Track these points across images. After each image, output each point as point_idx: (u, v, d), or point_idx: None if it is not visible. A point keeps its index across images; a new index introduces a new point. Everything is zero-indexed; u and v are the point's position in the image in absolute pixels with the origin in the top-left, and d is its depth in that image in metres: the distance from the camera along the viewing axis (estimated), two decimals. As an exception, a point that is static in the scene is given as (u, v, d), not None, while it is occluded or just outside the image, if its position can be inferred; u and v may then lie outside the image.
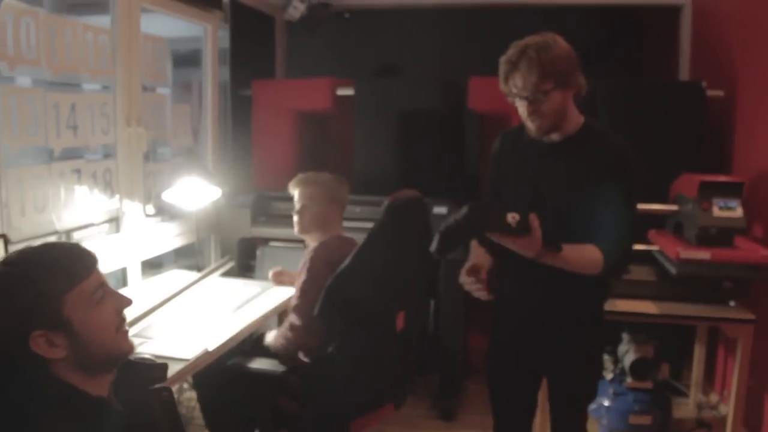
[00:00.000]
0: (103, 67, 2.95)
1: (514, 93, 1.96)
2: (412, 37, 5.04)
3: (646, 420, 3.11)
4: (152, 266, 3.60)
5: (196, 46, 3.92)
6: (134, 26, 3.08)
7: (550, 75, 1.91)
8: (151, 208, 3.25)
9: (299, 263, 2.72)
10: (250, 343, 2.78)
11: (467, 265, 2.02)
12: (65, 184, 2.74)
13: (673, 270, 2.94)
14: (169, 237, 3.39)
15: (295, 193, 2.74)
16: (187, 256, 4.03)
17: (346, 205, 2.81)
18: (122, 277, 3.11)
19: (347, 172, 3.93)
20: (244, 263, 3.65)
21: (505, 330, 2.29)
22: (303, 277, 2.60)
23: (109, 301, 1.31)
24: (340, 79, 3.99)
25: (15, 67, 2.51)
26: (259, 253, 3.61)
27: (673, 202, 3.22)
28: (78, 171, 2.83)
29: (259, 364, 2.61)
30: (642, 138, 3.48)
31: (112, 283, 3.08)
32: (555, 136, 2.05)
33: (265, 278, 3.35)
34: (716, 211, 2.93)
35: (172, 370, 2.13)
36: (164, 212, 3.34)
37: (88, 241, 2.83)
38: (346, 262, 2.40)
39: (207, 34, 3.81)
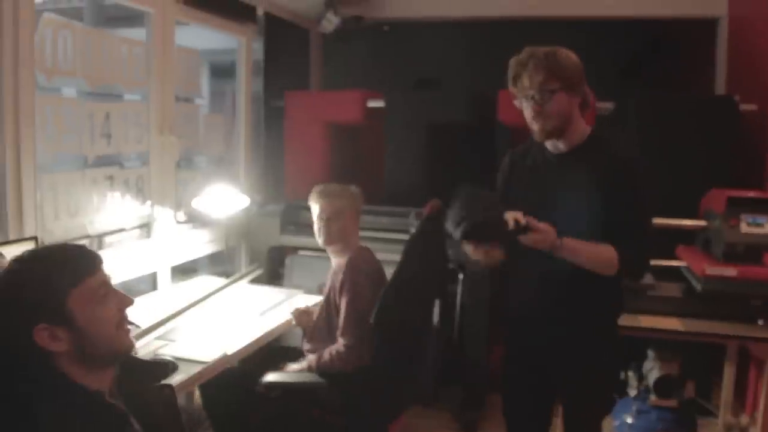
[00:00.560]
0: (137, 78, 3.05)
1: (522, 93, 2.02)
2: (447, 50, 5.08)
3: (670, 439, 3.07)
4: (187, 272, 3.69)
5: (235, 58, 4.01)
6: (168, 39, 3.18)
7: (557, 75, 1.98)
8: (182, 215, 3.33)
9: (328, 279, 2.76)
10: (270, 356, 2.79)
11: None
12: (98, 190, 2.83)
13: (699, 286, 2.90)
14: (199, 244, 3.46)
15: (320, 204, 2.74)
16: (221, 263, 4.12)
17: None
18: (152, 281, 3.18)
19: (377, 183, 3.98)
20: (273, 271, 3.71)
21: (516, 345, 2.31)
22: (346, 297, 2.60)
23: (112, 299, 1.37)
24: (371, 92, 4.03)
25: (52, 78, 2.61)
26: (288, 261, 3.66)
27: (703, 218, 3.18)
28: (111, 178, 2.93)
29: (294, 378, 2.60)
30: (675, 153, 3.46)
31: (142, 287, 3.20)
32: (562, 146, 2.09)
33: (293, 286, 3.41)
34: (744, 228, 2.89)
35: (190, 371, 2.20)
36: (195, 219, 3.41)
37: (119, 245, 2.92)
38: (394, 274, 2.49)
39: (241, 46, 3.90)
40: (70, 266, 1.32)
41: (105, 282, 1.36)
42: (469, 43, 4.96)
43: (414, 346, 2.68)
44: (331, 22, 4.36)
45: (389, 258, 2.77)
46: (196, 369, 2.22)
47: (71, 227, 2.70)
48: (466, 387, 3.50)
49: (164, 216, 3.17)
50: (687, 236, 3.29)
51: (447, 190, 3.56)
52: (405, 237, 2.86)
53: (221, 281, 3.26)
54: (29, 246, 2.23)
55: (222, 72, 5.02)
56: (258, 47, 4.06)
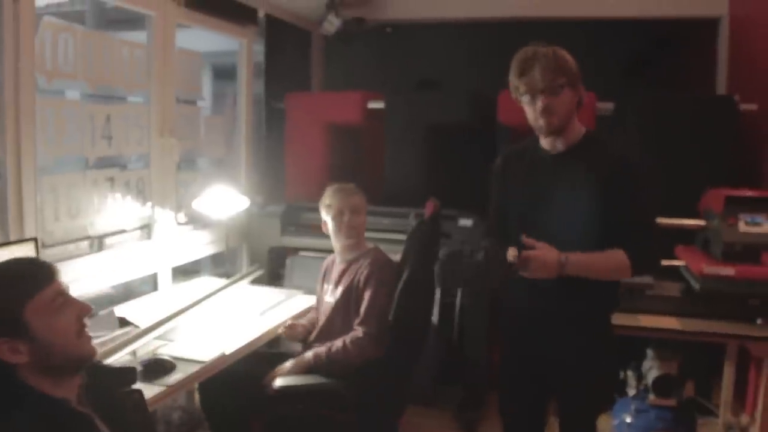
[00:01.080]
0: (138, 80, 3.07)
1: (529, 88, 2.01)
2: (449, 51, 5.09)
3: (669, 438, 3.07)
4: (189, 273, 3.71)
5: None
6: (169, 42, 3.20)
7: (564, 71, 2.01)
8: (182, 216, 3.34)
9: (335, 275, 2.81)
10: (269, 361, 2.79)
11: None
12: (99, 192, 2.86)
13: (697, 286, 2.90)
14: (200, 245, 3.48)
15: (339, 199, 2.79)
16: (223, 264, 4.15)
17: None
18: (153, 282, 3.21)
19: (377, 184, 3.99)
20: (274, 272, 3.72)
21: (512, 344, 2.32)
22: (371, 289, 2.66)
23: (70, 308, 1.39)
24: (372, 93, 4.05)
25: (52, 80, 2.64)
26: (288, 262, 3.67)
27: (702, 217, 3.18)
28: (112, 179, 2.95)
29: (305, 380, 2.60)
30: (675, 152, 3.47)
31: (143, 288, 3.22)
32: (560, 145, 2.11)
33: (293, 287, 3.42)
34: (742, 227, 2.89)
35: (188, 371, 2.22)
36: (196, 220, 3.43)
37: (120, 246, 2.94)
38: (406, 274, 2.62)
39: (242, 48, 3.92)
40: (23, 280, 1.35)
41: (61, 292, 1.38)
42: (470, 44, 4.97)
43: (420, 345, 2.75)
44: (332, 24, 4.38)
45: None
46: (193, 368, 2.24)
47: (72, 229, 2.72)
48: (466, 387, 3.51)
49: (165, 217, 3.19)
50: (687, 236, 3.30)
51: (447, 190, 3.61)
52: (405, 237, 2.87)
53: (222, 282, 3.28)
54: (29, 247, 2.27)
55: (225, 74, 5.02)
56: (259, 49, 4.09)
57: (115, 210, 2.94)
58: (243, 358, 2.58)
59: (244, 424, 2.63)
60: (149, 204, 3.13)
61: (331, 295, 2.81)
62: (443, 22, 4.75)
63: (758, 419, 2.85)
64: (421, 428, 3.36)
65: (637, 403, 3.11)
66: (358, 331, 2.62)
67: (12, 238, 2.34)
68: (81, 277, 2.64)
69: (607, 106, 3.73)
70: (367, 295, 2.67)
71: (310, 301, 3.07)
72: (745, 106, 3.54)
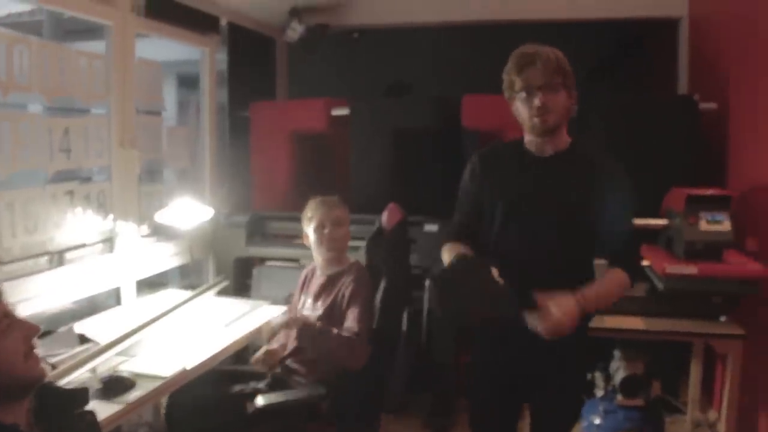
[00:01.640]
0: (97, 91, 3.03)
1: (527, 85, 1.97)
2: (417, 55, 5.10)
3: (637, 437, 3.08)
4: (156, 285, 3.66)
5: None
6: (128, 52, 3.16)
7: (563, 72, 1.99)
8: (145, 229, 3.30)
9: (314, 288, 2.79)
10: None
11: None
12: (58, 206, 2.81)
13: (660, 285, 2.92)
14: (164, 257, 3.44)
15: (322, 212, 2.76)
16: (191, 276, 4.10)
17: None
18: (116, 295, 3.16)
19: (344, 191, 3.97)
20: (240, 283, 3.69)
21: (482, 354, 2.25)
22: (359, 297, 2.65)
23: (17, 329, 1.34)
24: (337, 100, 4.03)
25: (8, 93, 2.59)
26: (255, 272, 3.65)
27: (665, 217, 3.20)
28: (71, 193, 2.90)
29: (286, 396, 2.56)
30: (639, 153, 3.48)
31: (108, 302, 3.17)
32: (548, 149, 2.07)
33: (260, 297, 3.40)
34: (703, 225, 2.91)
35: (148, 387, 2.18)
36: (160, 232, 3.39)
37: (81, 261, 2.90)
38: (384, 285, 2.68)
39: (204, 57, 3.89)
40: None
41: (6, 313, 1.33)
42: (437, 48, 4.99)
43: (394, 354, 2.81)
44: (295, 30, 4.36)
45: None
46: (154, 384, 2.20)
47: (30, 244, 2.67)
48: (436, 393, 3.51)
49: (127, 230, 3.15)
50: (651, 236, 3.32)
51: (413, 195, 3.61)
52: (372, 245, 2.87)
53: (187, 294, 3.24)
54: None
55: (190, 83, 5.00)
56: (222, 57, 4.05)
57: (75, 224, 2.89)
58: (212, 377, 2.55)
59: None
60: (111, 217, 3.08)
61: (310, 310, 2.77)
62: (410, 27, 4.75)
63: (725, 414, 2.87)
64: (391, 435, 3.36)
65: (605, 404, 3.12)
66: (352, 334, 2.58)
67: (-33, 256, 2.30)
68: (41, 294, 2.60)
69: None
70: (353, 310, 2.63)
71: (275, 312, 3.02)
72: (704, 106, 3.58)
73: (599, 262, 2.10)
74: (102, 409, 1.95)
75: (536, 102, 1.97)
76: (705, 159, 3.61)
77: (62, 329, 2.60)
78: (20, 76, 2.63)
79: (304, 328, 2.58)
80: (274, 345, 2.74)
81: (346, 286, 2.68)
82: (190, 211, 3.22)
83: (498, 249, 2.08)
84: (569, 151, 2.08)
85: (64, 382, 2.08)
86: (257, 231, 3.71)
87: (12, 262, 2.58)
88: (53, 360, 2.26)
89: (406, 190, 3.75)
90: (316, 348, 2.59)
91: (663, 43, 4.47)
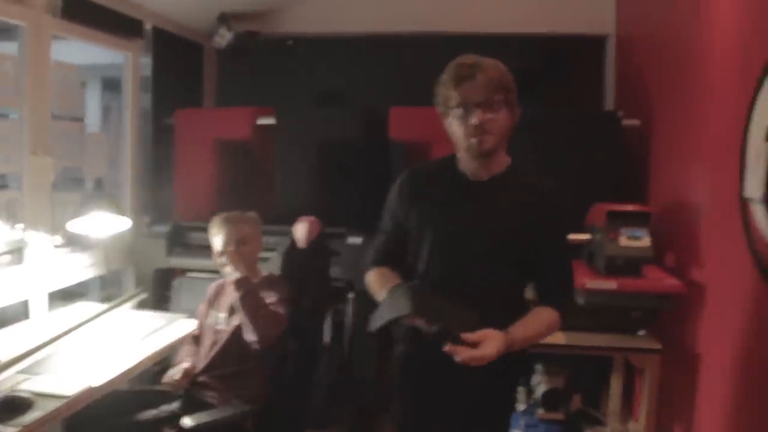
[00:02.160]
0: (7, 95, 2.90)
1: (464, 101, 1.80)
2: (349, 66, 5.05)
3: (558, 450, 3.10)
4: (73, 296, 3.51)
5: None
6: (43, 54, 3.02)
7: (506, 88, 1.83)
8: (59, 239, 3.17)
9: (232, 303, 2.70)
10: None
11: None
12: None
13: (581, 300, 2.94)
14: (78, 268, 3.30)
15: (227, 230, 2.70)
16: (111, 286, 3.95)
17: None
18: (25, 309, 3.02)
19: (269, 202, 3.90)
20: (161, 295, 3.58)
21: (405, 391, 2.10)
22: (277, 295, 2.64)
23: None
24: (264, 108, 3.95)
25: None
26: (175, 284, 3.54)
27: (588, 232, 3.23)
28: (-25, 202, 2.77)
29: (213, 415, 2.48)
30: (563, 168, 3.51)
31: (15, 316, 3.02)
32: (483, 173, 1.92)
33: (180, 310, 3.29)
34: (624, 241, 2.95)
35: (48, 408, 2.07)
36: (74, 243, 3.26)
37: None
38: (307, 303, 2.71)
39: (128, 61, 3.77)
40: None
41: None
42: (370, 58, 4.95)
43: (315, 369, 2.80)
44: (224, 37, 4.28)
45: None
46: (55, 405, 2.09)
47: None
48: (359, 408, 3.46)
49: (38, 240, 3.01)
50: (574, 251, 3.34)
51: (339, 208, 3.56)
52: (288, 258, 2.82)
53: (102, 307, 3.12)
54: None
55: (116, 87, 4.85)
56: (147, 62, 3.93)
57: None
58: (116, 401, 2.47)
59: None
60: (20, 226, 2.94)
61: (224, 324, 2.70)
62: (343, 37, 4.71)
63: (644, 426, 2.90)
64: (314, 452, 3.29)
65: (527, 418, 3.13)
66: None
67: None
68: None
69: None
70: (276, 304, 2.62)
71: (193, 325, 2.94)
72: (627, 122, 3.64)
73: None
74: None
75: (473, 120, 1.80)
76: (628, 175, 3.67)
77: (-40, 346, 2.47)
78: None
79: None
80: (186, 363, 2.66)
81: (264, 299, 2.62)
82: (106, 220, 3.10)
83: (424, 280, 1.95)
84: (507, 175, 1.94)
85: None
86: (178, 241, 3.61)
87: None
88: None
89: (331, 202, 3.69)
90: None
91: (591, 60, 4.54)
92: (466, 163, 1.94)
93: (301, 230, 2.84)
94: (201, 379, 2.61)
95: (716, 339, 2.63)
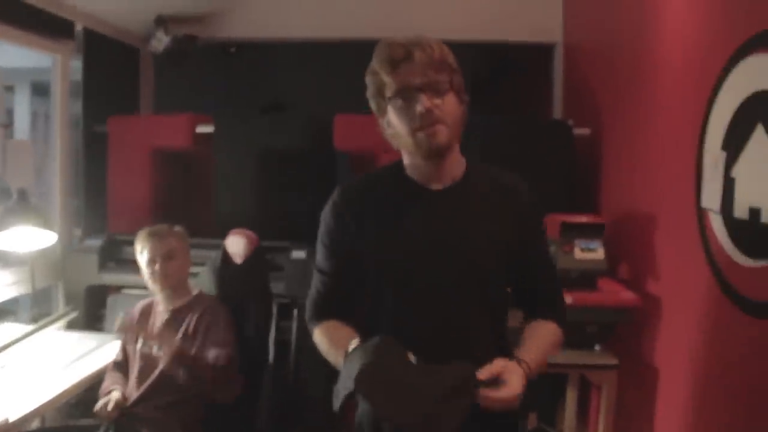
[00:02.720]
0: None
1: (403, 86, 1.48)
2: (293, 72, 4.92)
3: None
4: (4, 315, 3.27)
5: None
6: (-41, 55, 2.81)
7: (451, 69, 1.51)
8: (-22, 255, 2.94)
9: (163, 326, 2.53)
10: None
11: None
12: None
13: (536, 315, 2.85)
14: (1, 286, 3.06)
15: (152, 245, 2.53)
16: (41, 305, 3.70)
17: None
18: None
19: (209, 213, 3.72)
20: (93, 314, 3.35)
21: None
22: (219, 326, 2.48)
23: None
24: (202, 116, 3.77)
25: None
26: (109, 301, 3.32)
27: (540, 243, 3.15)
28: None
29: None
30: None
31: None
32: (440, 179, 1.59)
33: (114, 330, 3.08)
34: (578, 253, 2.89)
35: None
36: (-6, 259, 3.03)
37: None
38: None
39: (56, 64, 3.54)
40: None
41: None
42: (315, 65, 4.82)
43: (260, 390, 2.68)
44: (161, 41, 4.08)
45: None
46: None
47: None
48: (306, 428, 3.30)
49: (-47, 257, 2.78)
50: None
51: (281, 219, 3.41)
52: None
53: (27, 328, 2.89)
54: None
55: (48, 92, 4.60)
56: (77, 66, 3.70)
57: None
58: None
59: None
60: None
61: (156, 349, 2.49)
62: (284, 42, 4.56)
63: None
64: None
65: (481, 439, 3.01)
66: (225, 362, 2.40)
67: None
68: None
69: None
70: (216, 341, 2.44)
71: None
72: (578, 131, 3.59)
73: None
74: None
75: (419, 108, 1.46)
76: (579, 185, 3.62)
77: None
78: None
79: (178, 356, 2.35)
80: (117, 393, 2.45)
81: (197, 321, 2.47)
82: (31, 234, 2.88)
83: (380, 323, 1.59)
84: (469, 177, 1.62)
85: None
86: (112, 256, 3.38)
87: None
88: None
89: (274, 214, 3.54)
90: (191, 377, 2.36)
91: (539, 68, 4.50)
92: (415, 167, 1.60)
93: (238, 244, 2.67)
94: (135, 410, 2.40)
95: (674, 352, 2.58)
